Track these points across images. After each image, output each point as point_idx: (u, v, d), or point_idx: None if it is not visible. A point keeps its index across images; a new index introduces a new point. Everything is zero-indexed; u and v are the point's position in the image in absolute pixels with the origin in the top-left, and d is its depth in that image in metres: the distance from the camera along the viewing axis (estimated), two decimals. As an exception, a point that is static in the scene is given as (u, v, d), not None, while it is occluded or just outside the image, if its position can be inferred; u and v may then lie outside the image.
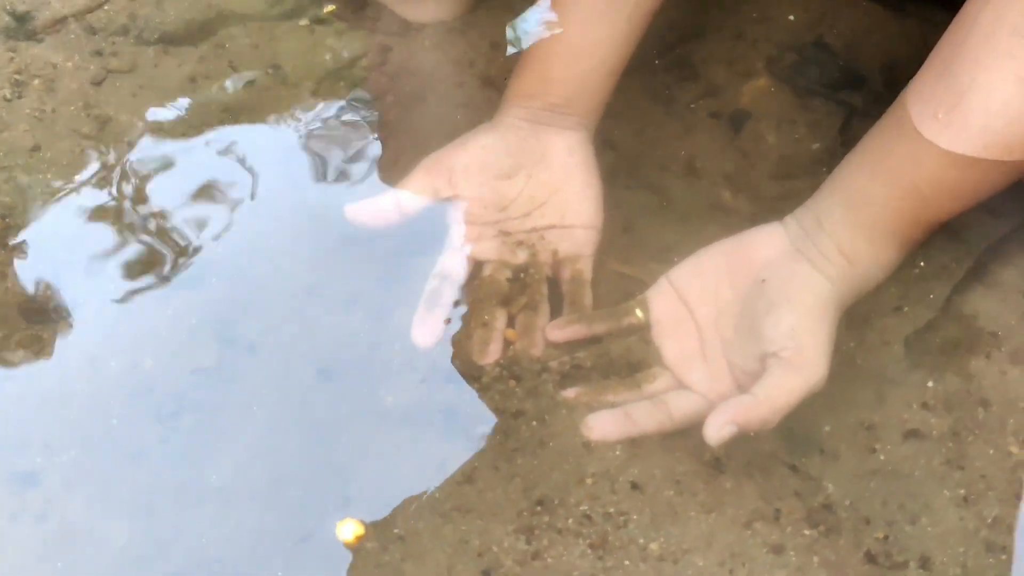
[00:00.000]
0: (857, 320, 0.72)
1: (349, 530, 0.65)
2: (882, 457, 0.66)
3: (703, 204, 0.82)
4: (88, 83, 0.88)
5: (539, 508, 0.64)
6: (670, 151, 0.85)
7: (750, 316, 0.69)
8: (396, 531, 0.64)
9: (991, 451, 0.65)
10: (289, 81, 0.89)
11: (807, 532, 0.64)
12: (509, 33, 0.90)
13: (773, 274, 0.70)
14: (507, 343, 0.73)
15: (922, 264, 0.74)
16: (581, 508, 0.64)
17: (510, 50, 0.89)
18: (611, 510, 0.64)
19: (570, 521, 0.64)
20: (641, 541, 0.62)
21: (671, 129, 0.86)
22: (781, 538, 0.63)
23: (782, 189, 0.82)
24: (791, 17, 0.91)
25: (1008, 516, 0.63)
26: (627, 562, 0.61)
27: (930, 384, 0.69)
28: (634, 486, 0.65)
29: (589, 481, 0.65)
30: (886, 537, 0.63)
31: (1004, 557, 0.62)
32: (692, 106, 0.87)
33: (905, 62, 0.82)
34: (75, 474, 0.67)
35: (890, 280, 0.72)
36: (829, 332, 0.67)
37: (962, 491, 0.64)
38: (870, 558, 0.62)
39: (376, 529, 0.64)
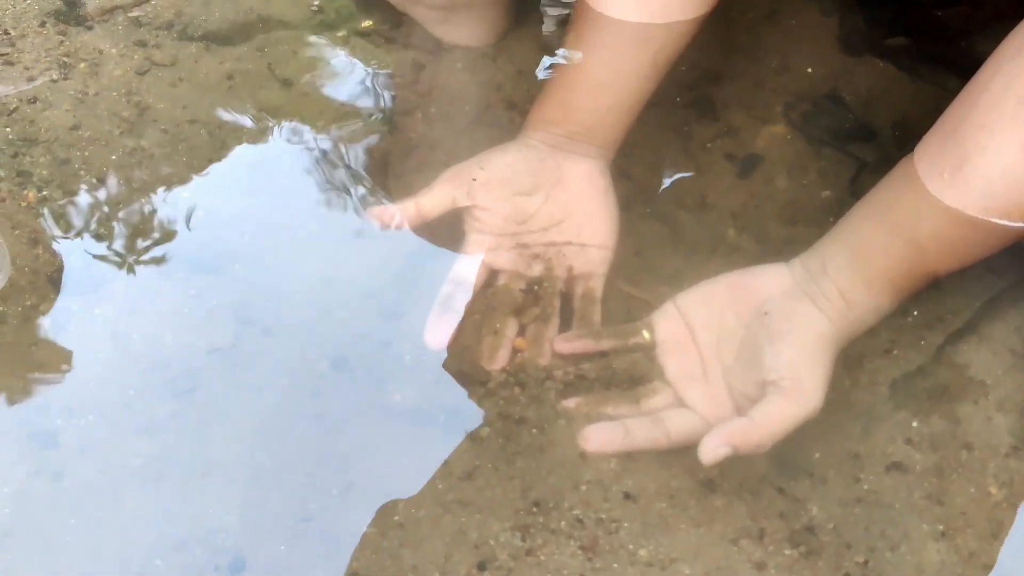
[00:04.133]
0: (850, 360, 0.75)
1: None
2: (866, 486, 0.69)
3: (711, 238, 0.84)
4: (132, 71, 0.91)
5: (535, 509, 0.67)
6: (684, 185, 0.88)
7: (752, 345, 0.71)
8: (396, 518, 0.66)
9: (972, 490, 0.68)
10: (323, 88, 0.93)
11: (788, 552, 0.66)
12: (536, 62, 0.93)
13: (776, 308, 0.72)
14: (515, 352, 0.75)
15: (915, 313, 0.77)
16: (574, 512, 0.66)
17: (538, 77, 0.92)
18: (603, 516, 0.66)
19: (563, 523, 0.66)
20: (631, 547, 0.64)
21: (686, 165, 0.89)
22: (764, 556, 0.65)
23: (787, 233, 0.84)
24: (809, 70, 0.95)
25: (984, 553, 0.65)
26: (616, 565, 0.63)
27: (915, 424, 0.72)
28: (627, 496, 0.67)
29: (584, 488, 0.67)
30: (866, 562, 0.65)
31: (977, 592, 0.64)
32: (708, 145, 0.90)
33: (916, 122, 0.85)
34: (91, 439, 0.70)
35: (884, 326, 0.75)
36: (827, 366, 0.70)
37: (941, 526, 0.67)
38: (849, 581, 0.65)
39: (376, 515, 0.67)
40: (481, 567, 0.64)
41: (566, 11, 0.97)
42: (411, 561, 0.64)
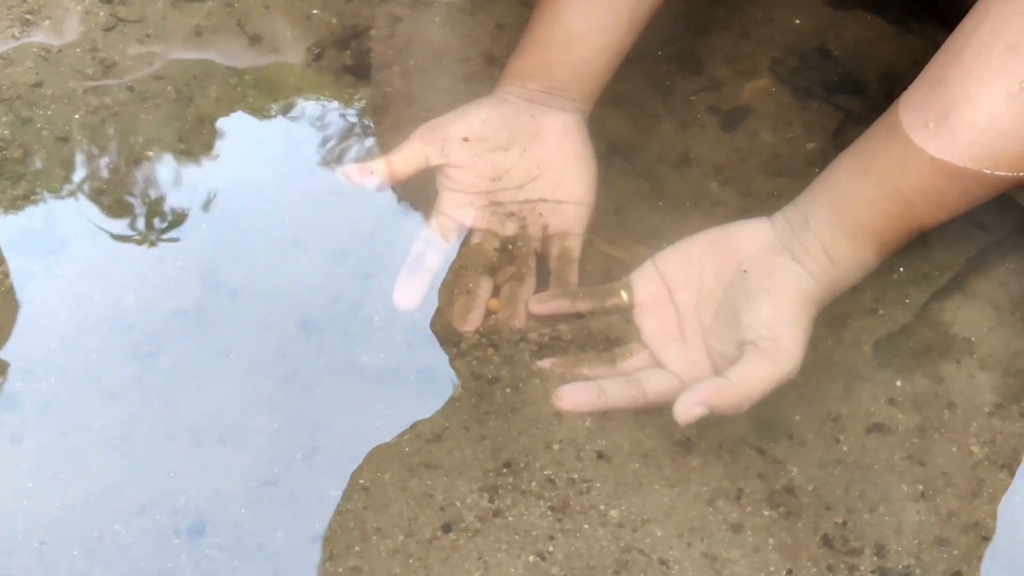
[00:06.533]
0: (833, 319, 0.73)
1: None
2: (846, 448, 0.67)
3: (693, 194, 0.82)
4: (97, 28, 0.88)
5: (505, 470, 0.65)
6: (665, 140, 0.86)
7: (730, 304, 0.70)
8: (361, 481, 0.65)
9: (954, 449, 0.66)
10: (295, 44, 0.90)
11: (767, 513, 0.64)
12: (516, 16, 0.91)
13: (755, 265, 0.70)
14: (489, 313, 0.74)
15: (900, 270, 0.76)
16: (545, 472, 0.65)
17: (514, 32, 0.90)
18: (575, 476, 0.64)
19: (533, 484, 0.64)
20: (602, 507, 0.63)
21: (668, 119, 0.87)
22: (741, 517, 0.64)
23: (772, 186, 0.83)
24: (796, 21, 0.92)
25: (963, 513, 0.64)
26: (586, 526, 0.62)
27: (898, 383, 0.70)
28: (600, 456, 0.66)
29: (556, 447, 0.66)
30: (844, 523, 0.64)
31: (956, 552, 0.63)
32: (692, 98, 0.88)
33: (904, 74, 0.83)
34: (52, 401, 0.68)
35: (867, 283, 0.73)
36: (806, 325, 0.68)
37: (921, 486, 0.65)
38: (827, 542, 0.63)
39: (341, 479, 0.65)
40: (446, 528, 0.62)
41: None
42: (375, 524, 0.63)
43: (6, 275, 0.74)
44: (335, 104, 0.87)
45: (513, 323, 0.73)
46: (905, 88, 0.72)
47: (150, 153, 0.81)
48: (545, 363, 0.71)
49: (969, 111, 0.67)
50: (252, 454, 0.67)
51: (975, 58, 0.67)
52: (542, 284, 0.75)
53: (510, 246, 0.76)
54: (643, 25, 0.79)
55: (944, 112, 0.67)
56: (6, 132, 0.81)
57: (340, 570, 0.62)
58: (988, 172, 0.67)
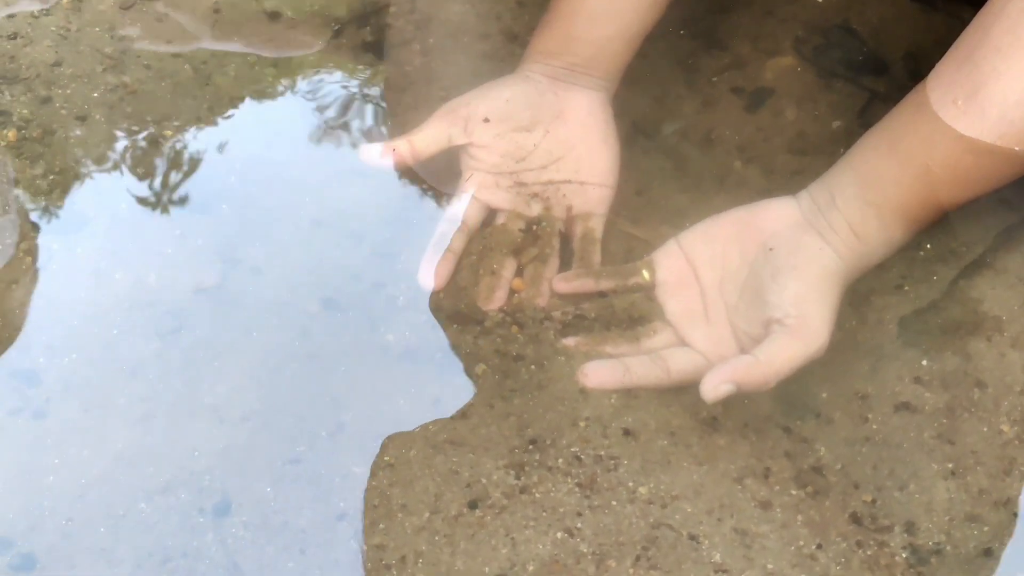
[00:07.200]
0: (859, 297, 0.72)
1: None
2: (874, 426, 0.66)
3: (717, 173, 0.82)
4: (115, 7, 0.88)
5: (531, 447, 0.65)
6: (689, 119, 0.85)
7: (756, 282, 0.69)
8: (387, 458, 0.64)
9: (984, 428, 0.66)
10: (316, 20, 0.89)
11: (794, 492, 0.64)
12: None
13: (781, 243, 0.70)
14: (513, 292, 0.73)
15: (928, 246, 0.75)
16: (572, 449, 0.64)
17: (535, 9, 0.89)
18: (601, 453, 0.64)
19: (560, 461, 0.64)
20: (630, 484, 0.62)
21: (691, 98, 0.86)
22: (769, 495, 0.63)
23: (797, 164, 0.82)
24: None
25: (994, 490, 0.63)
26: (614, 503, 0.62)
27: (924, 362, 0.69)
28: (627, 433, 0.65)
29: (582, 424, 0.65)
30: (874, 501, 0.63)
31: (987, 529, 0.62)
32: (714, 79, 0.87)
33: (929, 53, 0.82)
34: (74, 378, 0.68)
35: (896, 260, 0.72)
36: (833, 303, 0.68)
37: (951, 464, 0.65)
38: (855, 519, 0.63)
39: (366, 456, 0.65)
40: (472, 505, 0.62)
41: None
42: (400, 501, 0.62)
43: (27, 253, 0.74)
44: (354, 82, 0.86)
45: (537, 302, 0.73)
46: (930, 67, 0.71)
47: (169, 132, 0.81)
48: (569, 341, 0.71)
49: (998, 89, 0.66)
50: (276, 432, 0.66)
51: (1004, 35, 0.66)
52: (565, 264, 0.75)
53: (534, 227, 0.76)
54: (666, 2, 0.79)
55: (973, 90, 0.67)
56: (25, 111, 0.81)
57: (365, 547, 0.61)
58: (1017, 149, 0.67)
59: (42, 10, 0.86)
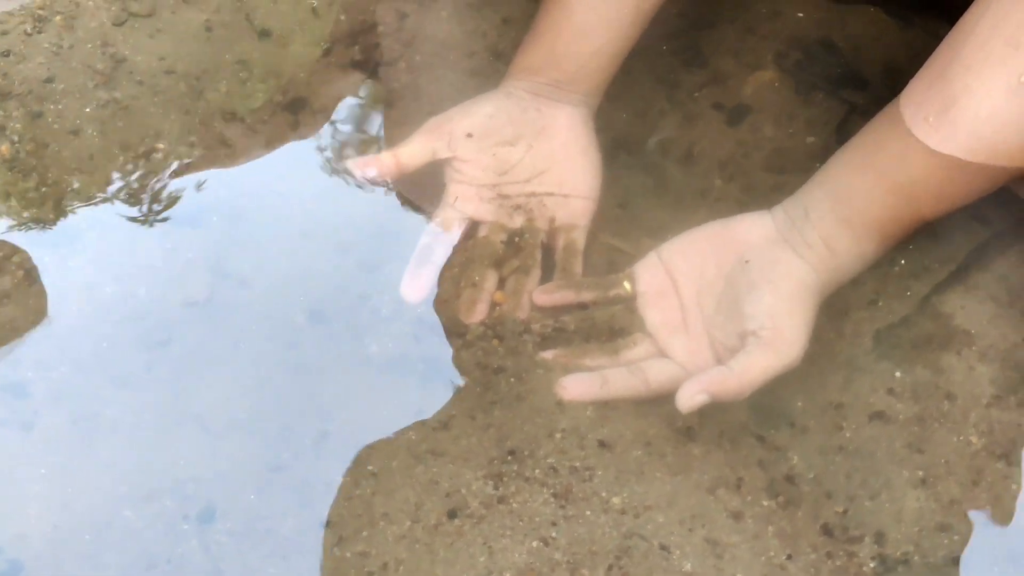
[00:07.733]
0: (834, 311, 0.74)
1: None
2: (847, 435, 0.68)
3: (697, 188, 0.83)
4: (108, 23, 0.89)
5: (510, 457, 0.66)
6: (670, 135, 0.87)
7: (732, 294, 0.70)
8: (370, 468, 0.66)
9: (954, 439, 0.67)
10: (306, 38, 0.91)
11: (766, 503, 0.65)
12: (522, 10, 0.92)
13: (757, 256, 0.71)
14: (494, 305, 0.74)
15: (902, 262, 0.76)
16: (548, 460, 0.66)
17: (520, 27, 0.91)
18: (577, 464, 0.65)
19: (537, 471, 0.65)
20: (604, 494, 0.64)
21: (672, 113, 0.88)
22: (741, 505, 0.64)
23: (775, 181, 0.83)
24: (800, 15, 0.93)
25: (964, 500, 0.64)
26: (588, 512, 0.63)
27: (897, 374, 0.71)
28: (602, 444, 0.66)
29: (559, 436, 0.67)
30: (845, 511, 0.64)
31: (956, 538, 0.63)
32: (696, 94, 0.89)
33: (908, 69, 0.83)
34: (63, 390, 0.69)
35: (869, 276, 0.74)
36: (807, 316, 0.69)
37: (921, 473, 0.66)
38: (826, 530, 0.64)
39: (350, 465, 0.66)
40: (452, 515, 0.63)
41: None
42: (383, 510, 0.64)
43: (18, 266, 0.75)
44: (343, 98, 0.88)
45: (518, 314, 0.74)
46: (908, 82, 0.72)
47: (160, 146, 0.82)
48: (548, 354, 0.72)
49: (969, 105, 0.67)
50: (261, 441, 0.68)
51: (975, 53, 0.67)
52: (547, 276, 0.76)
53: (517, 239, 0.77)
54: (649, 18, 0.80)
55: (945, 106, 0.68)
56: (18, 126, 0.82)
57: (348, 555, 0.63)
58: (988, 165, 0.68)
59: (36, 28, 0.88)
